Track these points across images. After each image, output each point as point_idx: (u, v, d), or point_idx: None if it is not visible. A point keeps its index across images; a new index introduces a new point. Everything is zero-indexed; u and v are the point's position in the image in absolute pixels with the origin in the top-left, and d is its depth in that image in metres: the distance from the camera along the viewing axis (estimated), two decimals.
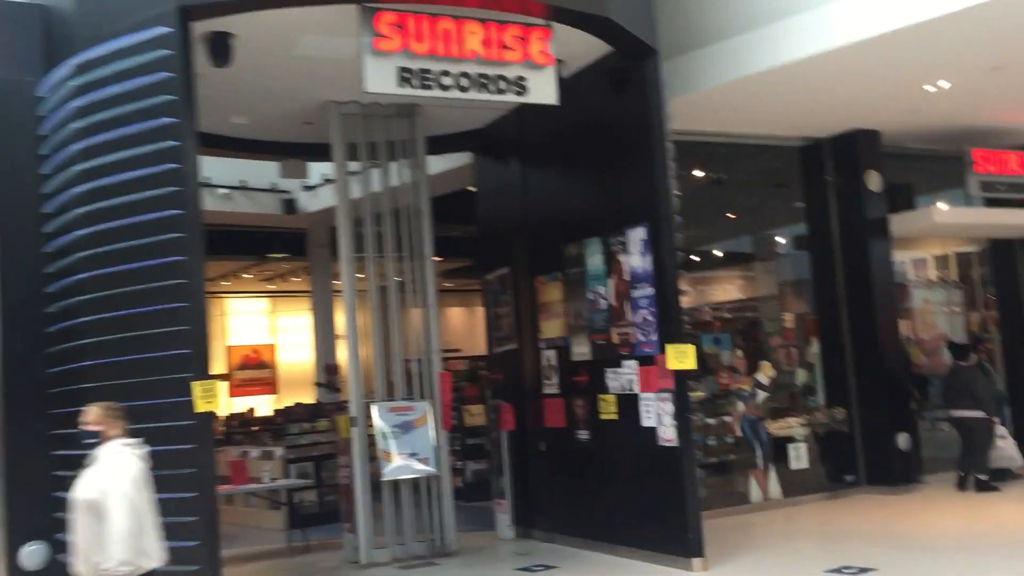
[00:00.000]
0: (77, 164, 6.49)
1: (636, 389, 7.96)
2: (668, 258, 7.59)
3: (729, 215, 15.51)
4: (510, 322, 9.76)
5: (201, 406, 5.88)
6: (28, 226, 6.97)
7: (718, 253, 16.07)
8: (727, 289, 17.15)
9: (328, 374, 13.84)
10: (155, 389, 6.08)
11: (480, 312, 12.18)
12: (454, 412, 12.48)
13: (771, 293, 16.60)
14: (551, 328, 9.19)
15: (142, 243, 6.13)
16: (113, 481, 4.48)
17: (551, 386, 9.17)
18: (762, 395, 10.46)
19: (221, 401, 5.94)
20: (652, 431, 7.75)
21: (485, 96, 6.80)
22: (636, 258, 7.91)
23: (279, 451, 11.97)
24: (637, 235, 7.88)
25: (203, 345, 6.02)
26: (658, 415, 7.68)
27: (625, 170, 8.19)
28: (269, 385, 22.39)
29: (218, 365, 22.08)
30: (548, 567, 8.00)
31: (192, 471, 5.92)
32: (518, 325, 9.64)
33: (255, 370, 22.32)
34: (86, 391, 6.36)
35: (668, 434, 7.57)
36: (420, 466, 8.59)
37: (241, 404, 20.76)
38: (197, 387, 5.88)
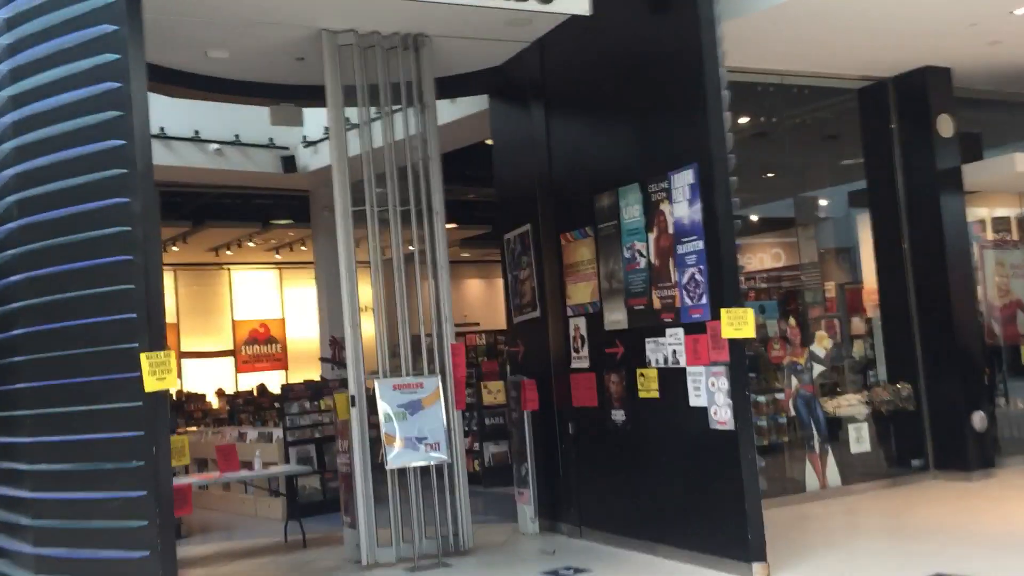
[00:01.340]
0: (4, 88, 5.31)
1: (682, 362, 6.75)
2: (722, 205, 6.35)
3: (769, 174, 14.27)
4: (532, 287, 8.55)
5: (151, 384, 4.73)
6: None
7: (754, 217, 14.88)
8: (761, 258, 16.02)
9: (333, 348, 12.72)
10: (97, 363, 4.94)
11: (500, 283, 11.05)
12: (471, 389, 11.40)
13: (811, 261, 15.37)
14: (580, 293, 7.98)
15: (78, 183, 4.96)
16: None
17: (580, 359, 7.97)
18: (818, 369, 9.23)
19: (175, 378, 4.77)
20: (702, 412, 6.54)
21: (499, 3, 5.56)
22: (683, 207, 6.67)
23: (278, 433, 10.92)
24: (684, 179, 6.64)
25: (155, 309, 4.86)
26: (709, 393, 6.48)
27: (668, 105, 6.94)
28: (279, 361, 21.39)
29: (224, 340, 21.09)
30: (579, 570, 6.82)
31: (140, 465, 4.77)
32: (541, 290, 8.44)
33: (263, 345, 21.30)
34: (18, 365, 5.25)
35: (722, 415, 6.37)
36: (429, 452, 7.44)
37: (250, 382, 19.81)
38: (146, 360, 4.73)
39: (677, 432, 6.85)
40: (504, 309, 9.32)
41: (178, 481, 8.56)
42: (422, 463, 7.50)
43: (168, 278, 19.24)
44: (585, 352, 7.91)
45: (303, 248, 18.41)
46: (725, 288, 6.31)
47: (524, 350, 8.80)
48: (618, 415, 7.48)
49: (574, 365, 8.05)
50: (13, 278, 5.22)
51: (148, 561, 4.68)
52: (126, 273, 4.82)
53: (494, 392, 11.84)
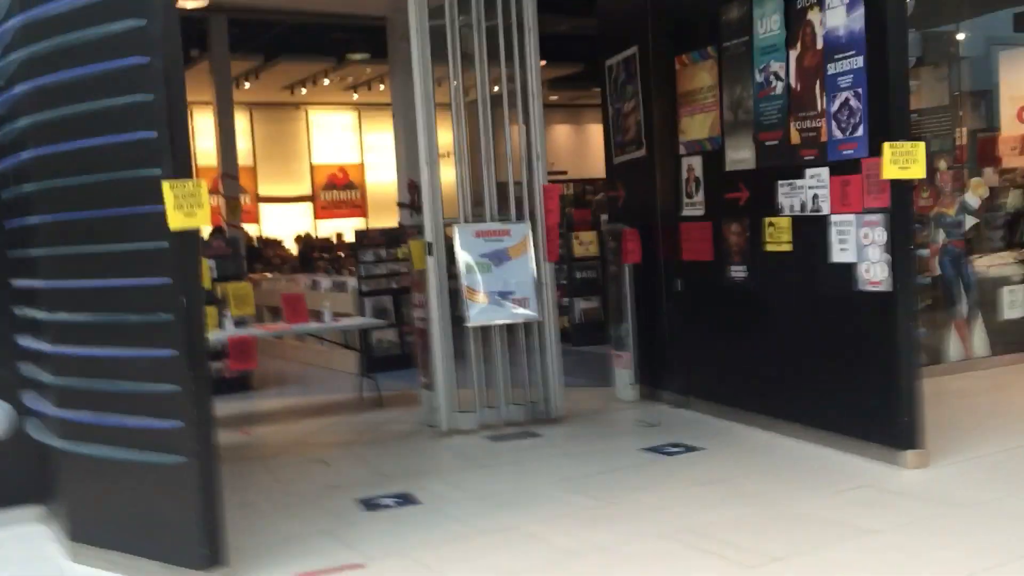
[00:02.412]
0: None
1: (825, 209, 5.56)
2: (893, 9, 5.00)
3: None
4: (638, 120, 7.34)
5: (177, 220, 3.80)
6: None
7: None
8: None
9: (411, 193, 11.76)
10: (115, 193, 4.02)
11: (591, 129, 9.86)
12: (560, 240, 10.43)
13: (941, 104, 13.66)
14: (696, 127, 6.75)
15: None
16: None
17: (694, 206, 6.83)
18: (971, 222, 7.90)
19: (207, 212, 3.82)
20: (848, 269, 5.39)
21: None
22: (837, 14, 5.32)
23: (353, 282, 10.16)
24: None
25: (179, 128, 3.87)
26: (860, 247, 5.31)
27: None
28: (358, 207, 20.67)
29: (302, 185, 20.40)
30: (689, 448, 5.90)
31: (168, 318, 3.90)
32: (649, 124, 7.22)
33: (342, 191, 20.55)
34: (30, 195, 4.39)
35: (876, 274, 5.21)
36: (516, 308, 6.51)
37: (329, 228, 19.20)
38: (170, 190, 3.79)
39: (813, 293, 5.73)
40: (602, 152, 8.15)
41: (242, 332, 7.88)
42: (508, 320, 6.59)
43: (243, 118, 18.42)
44: (700, 197, 6.75)
45: (381, 88, 17.30)
46: (892, 116, 5.02)
47: (625, 195, 7.68)
48: (738, 271, 6.38)
49: (685, 213, 6.92)
50: (18, 88, 4.29)
51: (181, 432, 3.88)
52: (143, 81, 3.83)
53: (585, 243, 10.84)
